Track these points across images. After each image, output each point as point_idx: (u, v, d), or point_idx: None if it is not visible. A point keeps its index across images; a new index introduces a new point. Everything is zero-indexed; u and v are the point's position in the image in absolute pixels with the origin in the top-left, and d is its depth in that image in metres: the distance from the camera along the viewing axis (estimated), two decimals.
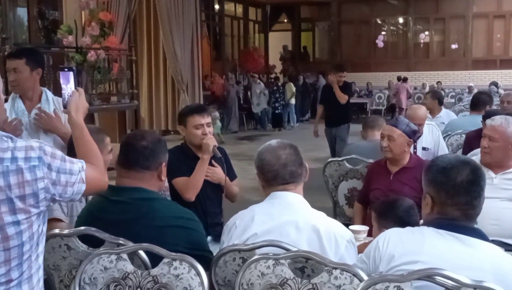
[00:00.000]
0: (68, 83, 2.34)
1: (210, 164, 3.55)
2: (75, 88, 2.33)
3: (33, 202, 1.86)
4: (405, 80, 18.09)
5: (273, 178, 2.42)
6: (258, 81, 16.77)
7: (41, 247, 1.99)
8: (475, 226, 2.12)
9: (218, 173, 3.59)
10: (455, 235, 2.02)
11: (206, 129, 3.55)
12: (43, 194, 1.88)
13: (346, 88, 8.46)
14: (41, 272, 2.01)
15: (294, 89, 17.03)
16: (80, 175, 1.99)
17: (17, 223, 1.84)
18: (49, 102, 3.80)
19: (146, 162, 2.45)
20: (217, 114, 13.28)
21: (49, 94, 3.84)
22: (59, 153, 1.95)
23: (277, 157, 2.42)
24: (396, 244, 2.08)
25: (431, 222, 2.10)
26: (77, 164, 2.00)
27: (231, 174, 3.73)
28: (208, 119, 3.59)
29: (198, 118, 3.55)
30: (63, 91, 2.36)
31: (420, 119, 4.99)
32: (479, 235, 2.06)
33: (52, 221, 2.89)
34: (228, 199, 3.74)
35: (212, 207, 3.65)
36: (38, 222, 1.92)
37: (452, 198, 2.06)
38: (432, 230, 2.06)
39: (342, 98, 8.17)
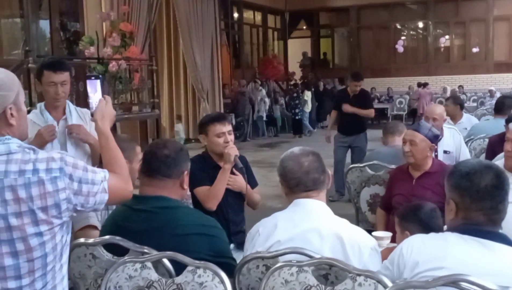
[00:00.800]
0: (95, 92, 2.36)
1: (231, 172, 3.57)
2: (102, 96, 2.33)
3: (55, 213, 1.87)
4: (425, 85, 17.99)
5: (295, 185, 2.43)
6: (260, 87, 16.61)
7: (65, 257, 2.01)
8: (500, 231, 2.11)
9: (239, 182, 3.60)
10: (479, 240, 2.01)
11: (228, 137, 3.57)
12: (65, 204, 1.89)
13: (364, 97, 8.06)
14: (65, 282, 2.02)
15: (306, 96, 16.91)
16: (102, 185, 1.98)
17: (39, 234, 1.86)
18: (72, 113, 3.86)
19: (168, 170, 2.47)
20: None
21: (71, 105, 3.91)
22: (81, 163, 1.96)
23: (300, 164, 2.43)
24: (420, 251, 2.07)
25: (456, 227, 2.09)
26: (100, 174, 2.00)
27: (252, 182, 3.74)
28: (229, 127, 3.61)
29: (220, 126, 3.57)
30: (90, 100, 2.38)
31: (436, 114, 5.08)
32: (504, 240, 2.04)
33: (89, 228, 2.91)
34: (250, 206, 3.75)
35: (234, 215, 3.66)
36: (61, 233, 1.93)
37: (477, 203, 2.04)
38: (456, 235, 2.05)
39: (369, 114, 7.98)
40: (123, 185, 2.11)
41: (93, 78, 2.38)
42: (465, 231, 2.04)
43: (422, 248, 2.08)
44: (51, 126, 3.68)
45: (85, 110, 4.01)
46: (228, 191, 3.55)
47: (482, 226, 2.04)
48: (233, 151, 3.49)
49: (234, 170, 3.59)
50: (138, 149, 3.11)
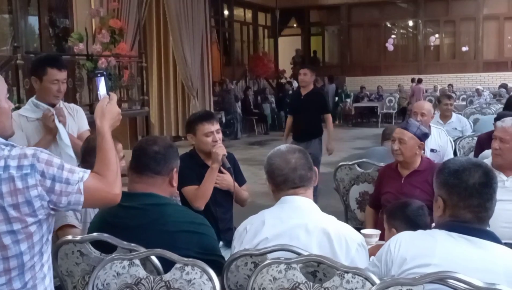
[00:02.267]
0: (98, 89, 2.30)
1: (219, 170, 3.57)
2: (107, 93, 2.24)
3: (28, 211, 1.83)
4: (419, 81, 18.09)
5: (282, 182, 2.43)
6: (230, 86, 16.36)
7: (46, 257, 1.97)
8: (488, 228, 2.12)
9: (227, 180, 3.60)
10: (467, 237, 2.02)
11: (216, 136, 3.56)
12: (38, 202, 1.84)
13: (317, 98, 7.10)
14: (47, 281, 1.99)
15: None
16: (78, 186, 1.90)
17: (12, 232, 1.83)
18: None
19: (157, 167, 2.46)
20: None
21: (61, 101, 3.92)
22: (57, 161, 1.89)
23: (287, 161, 2.43)
24: (408, 247, 2.07)
25: (443, 225, 2.10)
26: (78, 174, 1.91)
27: (240, 179, 3.75)
28: (217, 126, 3.61)
29: (208, 125, 3.56)
30: (99, 98, 2.30)
31: (424, 110, 5.22)
32: (492, 237, 2.05)
33: (66, 227, 2.91)
34: (238, 204, 3.75)
35: (223, 213, 3.66)
36: (40, 232, 1.89)
37: (464, 201, 2.05)
38: (444, 233, 2.06)
39: (329, 125, 7.14)
40: (104, 188, 1.97)
41: (99, 74, 2.32)
42: (452, 229, 2.05)
43: (410, 244, 2.09)
44: (46, 113, 3.74)
45: (72, 105, 4.06)
46: (216, 189, 3.55)
47: (470, 224, 2.04)
48: (221, 150, 3.48)
49: (221, 168, 3.59)
50: (119, 146, 3.09)
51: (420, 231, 2.16)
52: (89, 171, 1.97)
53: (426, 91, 18.42)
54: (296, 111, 7.20)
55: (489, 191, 2.07)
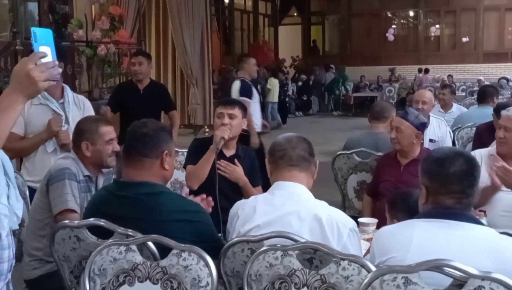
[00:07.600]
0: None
1: (232, 162, 3.55)
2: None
3: None
4: (426, 71, 18.06)
5: (280, 157, 2.46)
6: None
7: None
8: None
9: (237, 172, 3.53)
10: (446, 221, 2.06)
11: (226, 119, 3.52)
12: None
13: (158, 93, 5.72)
14: None
15: (270, 85, 15.83)
16: None
17: None
18: (68, 96, 3.93)
19: (145, 149, 2.41)
20: None
21: (68, 89, 4.00)
22: None
23: (289, 140, 2.50)
24: (387, 242, 2.14)
25: (423, 213, 2.16)
26: None
27: (254, 179, 3.65)
28: (230, 110, 3.56)
29: (221, 107, 3.60)
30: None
31: (426, 98, 5.22)
32: (471, 219, 2.10)
33: (67, 212, 2.89)
34: None
35: (227, 204, 3.60)
36: None
37: (445, 187, 2.10)
38: (421, 221, 2.12)
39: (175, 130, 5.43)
40: None
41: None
42: (431, 215, 2.10)
43: (389, 237, 2.15)
44: (56, 118, 3.77)
45: (80, 96, 4.12)
46: (224, 179, 3.49)
47: (451, 209, 2.09)
48: (220, 132, 3.43)
49: (236, 161, 3.57)
50: (104, 129, 3.04)
51: (400, 223, 2.25)
52: None
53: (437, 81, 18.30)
54: (131, 110, 5.37)
55: (470, 178, 2.11)
